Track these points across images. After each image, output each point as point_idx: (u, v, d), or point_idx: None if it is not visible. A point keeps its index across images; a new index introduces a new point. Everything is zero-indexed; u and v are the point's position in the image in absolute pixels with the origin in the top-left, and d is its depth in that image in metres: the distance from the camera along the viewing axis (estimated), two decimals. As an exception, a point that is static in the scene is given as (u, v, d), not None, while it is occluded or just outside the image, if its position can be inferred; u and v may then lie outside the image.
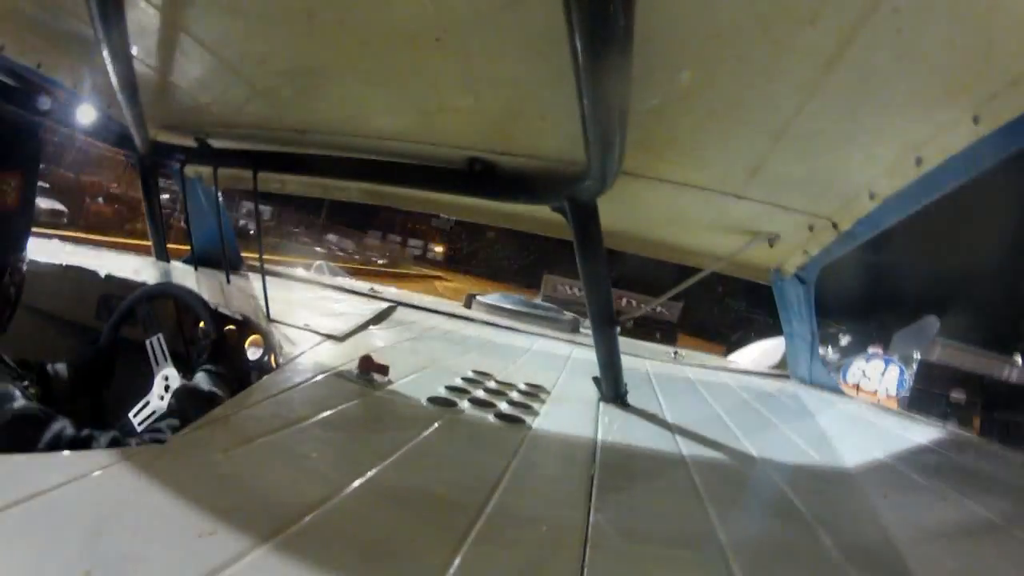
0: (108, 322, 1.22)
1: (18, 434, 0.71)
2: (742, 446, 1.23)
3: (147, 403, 1.30)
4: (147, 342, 1.33)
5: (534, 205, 1.50)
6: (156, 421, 1.02)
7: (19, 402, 0.74)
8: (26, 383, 0.82)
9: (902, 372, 7.68)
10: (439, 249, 36.96)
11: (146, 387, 1.33)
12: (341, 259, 19.26)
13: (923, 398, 7.38)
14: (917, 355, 8.04)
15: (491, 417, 1.07)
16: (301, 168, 1.68)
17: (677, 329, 10.94)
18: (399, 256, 30.54)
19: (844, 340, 10.16)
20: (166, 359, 1.32)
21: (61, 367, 1.09)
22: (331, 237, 27.07)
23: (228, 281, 1.94)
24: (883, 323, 9.82)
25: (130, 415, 1.27)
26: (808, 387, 2.21)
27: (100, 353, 1.20)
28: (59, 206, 10.51)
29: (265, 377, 1.11)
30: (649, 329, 9.01)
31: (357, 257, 24.33)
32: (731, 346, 8.91)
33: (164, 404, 1.30)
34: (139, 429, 1.23)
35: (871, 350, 8.65)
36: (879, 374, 7.95)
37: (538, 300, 3.55)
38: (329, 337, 1.50)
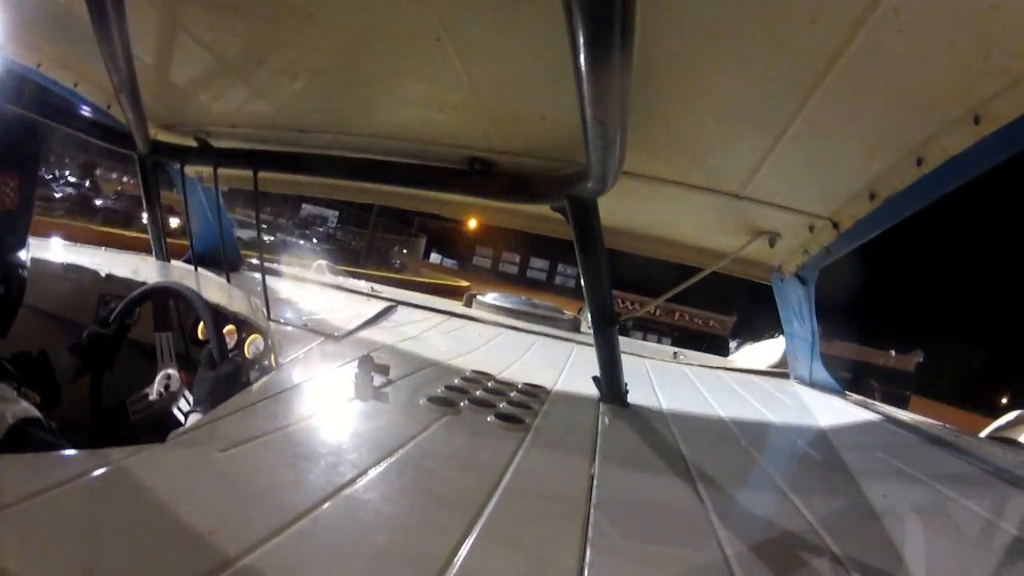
0: (121, 305, 1.23)
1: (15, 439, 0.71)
2: (742, 446, 1.23)
3: (145, 394, 1.31)
4: (157, 335, 1.34)
5: (534, 205, 1.50)
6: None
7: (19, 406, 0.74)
8: (24, 388, 0.82)
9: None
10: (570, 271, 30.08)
11: (146, 379, 1.35)
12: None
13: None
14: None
15: (491, 417, 1.07)
16: (301, 168, 1.68)
17: (729, 343, 9.75)
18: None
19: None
20: (172, 359, 1.34)
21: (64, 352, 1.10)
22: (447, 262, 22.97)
23: (228, 280, 1.94)
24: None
25: (127, 402, 1.29)
26: (808, 387, 2.21)
27: (107, 335, 1.21)
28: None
29: (265, 377, 1.11)
30: (697, 344, 8.64)
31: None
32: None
33: (161, 401, 1.31)
34: (132, 418, 1.27)
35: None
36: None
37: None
38: (329, 337, 1.51)
